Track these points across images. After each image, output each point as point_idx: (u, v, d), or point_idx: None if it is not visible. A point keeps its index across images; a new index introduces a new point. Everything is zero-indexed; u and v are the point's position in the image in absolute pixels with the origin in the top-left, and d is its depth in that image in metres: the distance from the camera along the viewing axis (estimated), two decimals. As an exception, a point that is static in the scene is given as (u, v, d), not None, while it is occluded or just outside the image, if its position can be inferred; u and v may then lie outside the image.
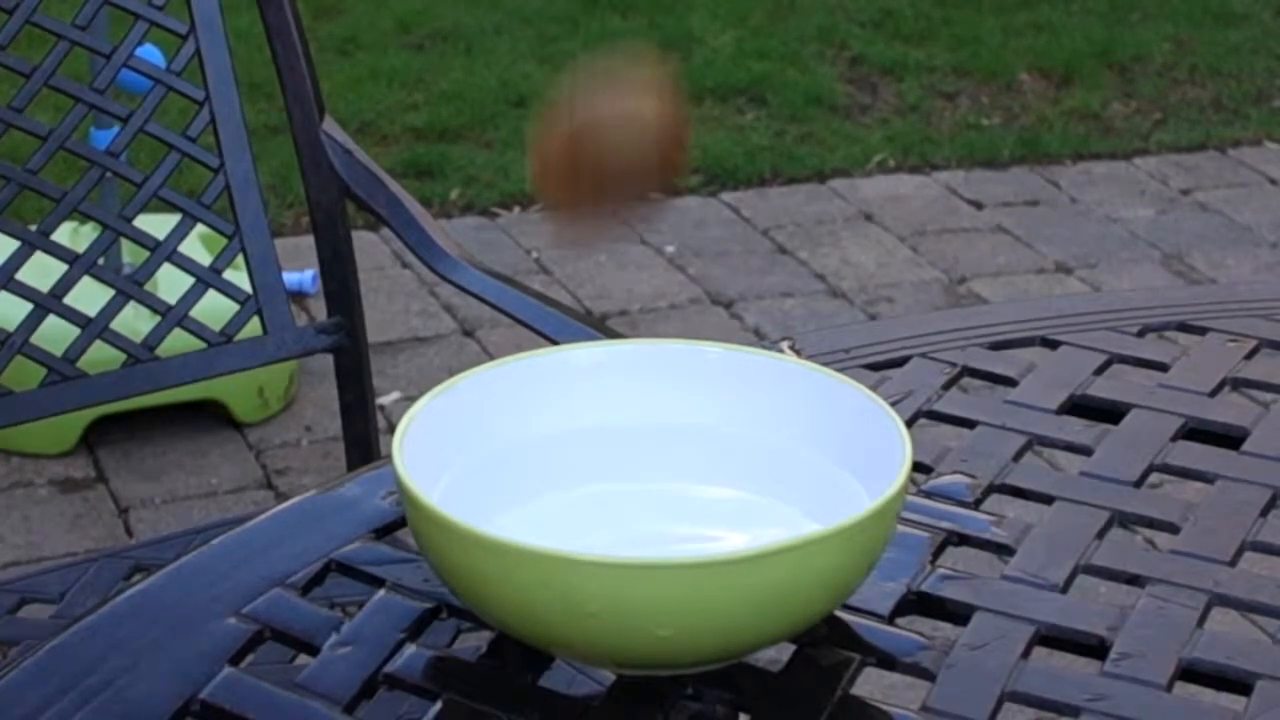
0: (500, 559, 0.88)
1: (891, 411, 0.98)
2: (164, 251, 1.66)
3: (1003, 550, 1.04)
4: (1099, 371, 1.26)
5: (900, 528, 1.03)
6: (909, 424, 1.14)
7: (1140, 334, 1.31)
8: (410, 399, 0.98)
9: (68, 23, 1.66)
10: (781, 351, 1.06)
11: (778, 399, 1.01)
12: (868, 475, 0.96)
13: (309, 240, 1.77)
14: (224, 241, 1.69)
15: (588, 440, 1.02)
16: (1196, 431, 1.18)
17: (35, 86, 1.63)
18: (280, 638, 0.96)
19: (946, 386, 1.23)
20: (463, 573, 0.91)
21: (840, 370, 1.03)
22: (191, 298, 1.66)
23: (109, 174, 1.68)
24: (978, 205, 3.84)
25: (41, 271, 1.62)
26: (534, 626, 0.90)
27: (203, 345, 1.67)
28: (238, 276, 1.68)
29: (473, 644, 0.95)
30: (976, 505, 1.08)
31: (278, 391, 2.97)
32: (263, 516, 1.06)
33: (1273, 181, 3.99)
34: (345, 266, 1.74)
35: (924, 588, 1.00)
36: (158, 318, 1.65)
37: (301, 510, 1.07)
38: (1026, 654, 0.95)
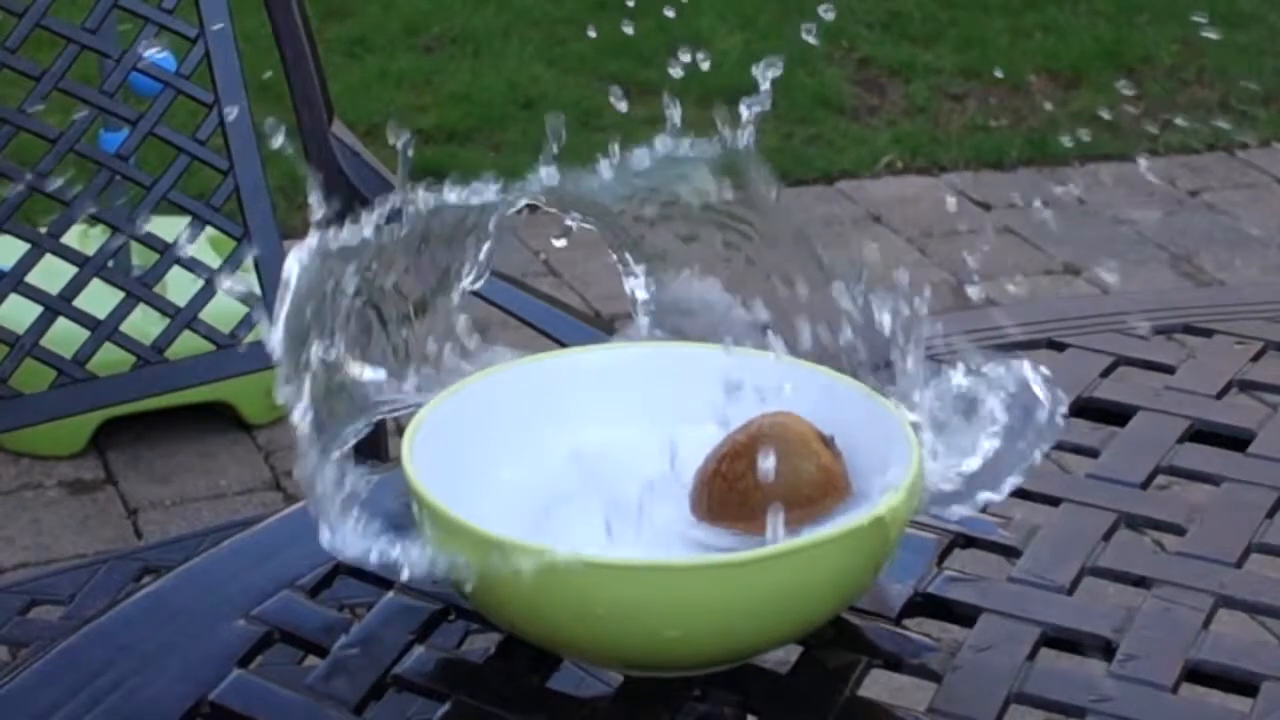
0: (503, 559, 0.88)
1: (899, 413, 0.98)
2: (173, 254, 1.66)
3: (1009, 552, 1.04)
4: (1106, 374, 1.26)
5: (907, 530, 1.03)
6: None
7: (1147, 336, 1.31)
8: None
9: (77, 25, 1.66)
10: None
11: (785, 401, 1.01)
12: (876, 478, 0.96)
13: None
14: (233, 244, 1.69)
15: (596, 442, 1.02)
16: (1203, 433, 1.18)
17: (45, 89, 1.64)
18: (289, 639, 0.96)
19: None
20: (469, 573, 0.91)
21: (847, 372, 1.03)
22: (200, 300, 1.66)
23: (118, 177, 1.69)
24: (985, 207, 3.84)
25: (51, 274, 1.62)
26: (542, 628, 0.91)
27: (212, 347, 1.67)
28: (247, 279, 1.68)
29: (481, 645, 0.95)
30: (984, 507, 1.08)
31: (286, 393, 2.97)
32: (272, 518, 1.07)
33: (1280, 183, 3.99)
34: (354, 269, 1.74)
35: (931, 589, 1.00)
36: (167, 320, 1.65)
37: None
38: (1033, 655, 0.95)
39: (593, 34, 4.46)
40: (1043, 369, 0.98)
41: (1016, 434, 0.97)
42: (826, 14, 1.19)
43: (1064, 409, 0.97)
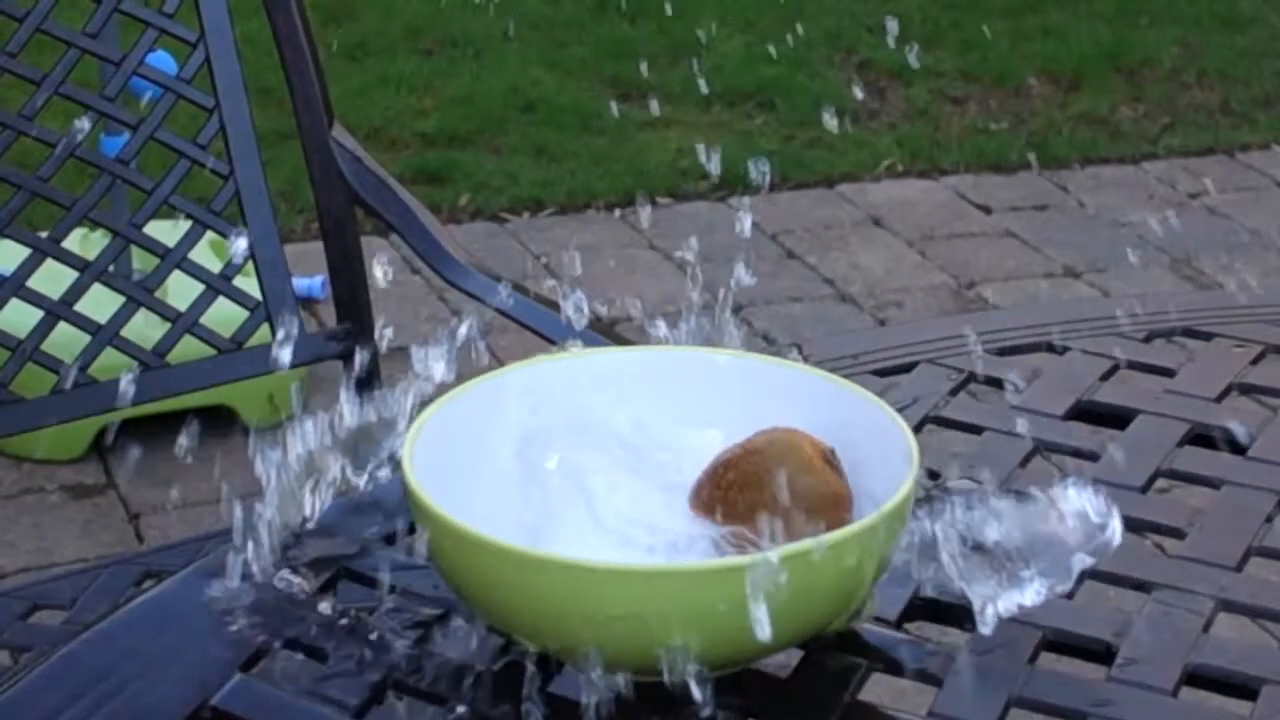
0: (509, 565, 0.88)
1: (899, 418, 0.98)
2: (174, 258, 1.66)
3: (1009, 555, 1.04)
4: (1105, 377, 1.26)
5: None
6: (916, 430, 1.14)
7: (1147, 339, 1.31)
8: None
9: (78, 30, 1.66)
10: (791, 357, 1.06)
11: (786, 405, 1.01)
12: (876, 481, 0.96)
13: (318, 246, 1.78)
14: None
15: (597, 446, 1.02)
16: (1202, 437, 1.19)
17: (46, 94, 1.64)
18: (291, 644, 0.96)
19: (954, 392, 1.23)
20: (472, 579, 0.91)
21: (848, 376, 1.03)
22: (201, 304, 1.66)
23: (119, 181, 1.69)
24: (986, 210, 3.84)
25: (52, 279, 1.62)
26: (544, 633, 0.91)
27: (213, 352, 1.67)
28: (247, 283, 1.68)
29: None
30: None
31: (288, 398, 2.97)
32: (273, 523, 1.07)
33: (1281, 185, 3.99)
34: (354, 272, 1.74)
35: (931, 593, 1.00)
36: (168, 324, 1.65)
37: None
38: (1033, 659, 0.95)
39: (593, 37, 4.46)
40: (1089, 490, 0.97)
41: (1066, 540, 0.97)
42: (851, 59, 1.20)
43: (1117, 524, 0.97)
